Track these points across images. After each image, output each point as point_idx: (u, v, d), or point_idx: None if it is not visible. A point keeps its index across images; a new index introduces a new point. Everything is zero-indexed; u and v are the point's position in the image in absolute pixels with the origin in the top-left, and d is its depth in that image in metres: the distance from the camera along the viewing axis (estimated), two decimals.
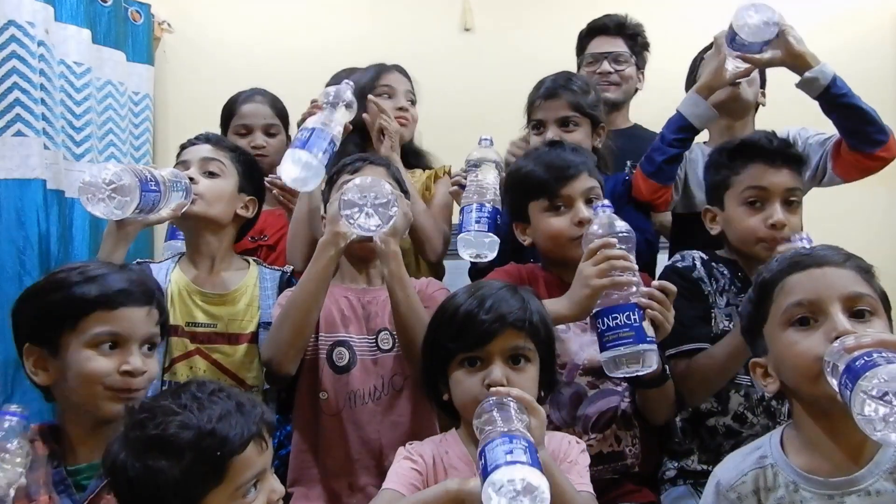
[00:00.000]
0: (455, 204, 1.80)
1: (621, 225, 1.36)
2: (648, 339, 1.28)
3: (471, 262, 1.66)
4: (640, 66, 2.22)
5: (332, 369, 1.53)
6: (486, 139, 1.77)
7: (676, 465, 1.57)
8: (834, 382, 0.93)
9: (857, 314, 1.02)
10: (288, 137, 2.18)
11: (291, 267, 1.72)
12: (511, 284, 1.30)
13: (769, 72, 1.89)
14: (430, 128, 1.98)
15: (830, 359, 0.95)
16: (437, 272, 1.91)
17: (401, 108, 1.95)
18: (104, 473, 1.01)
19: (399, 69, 2.01)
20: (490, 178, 1.62)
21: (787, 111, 1.82)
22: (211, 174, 1.61)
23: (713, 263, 1.61)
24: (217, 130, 2.16)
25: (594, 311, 1.33)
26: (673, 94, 1.88)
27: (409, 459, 1.25)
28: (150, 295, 1.23)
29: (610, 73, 2.13)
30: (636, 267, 1.34)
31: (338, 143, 1.49)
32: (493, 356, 1.21)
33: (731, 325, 1.53)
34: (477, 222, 1.53)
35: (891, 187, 1.75)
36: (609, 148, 1.92)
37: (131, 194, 1.39)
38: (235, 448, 0.94)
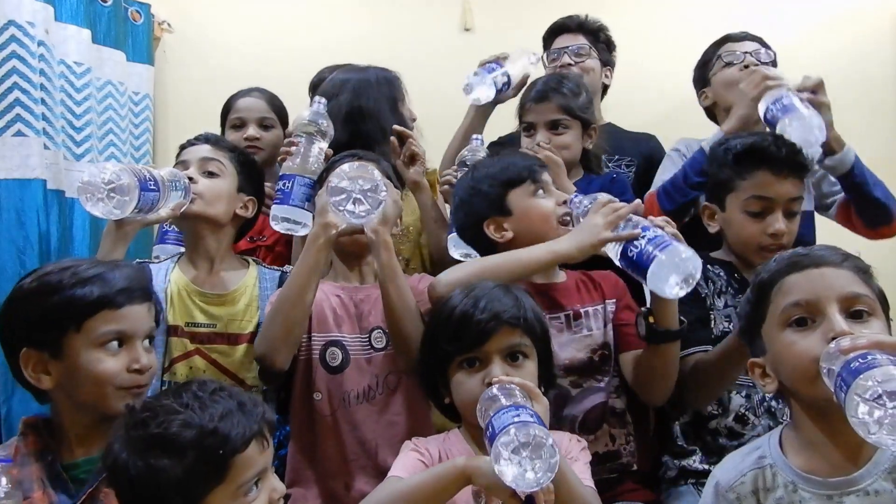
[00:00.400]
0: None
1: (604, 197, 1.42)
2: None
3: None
4: (606, 62, 2.22)
5: (326, 370, 1.53)
6: (477, 138, 1.80)
7: (678, 464, 1.56)
8: (830, 384, 0.93)
9: (854, 315, 1.03)
10: (285, 135, 2.17)
11: (291, 267, 1.71)
12: (502, 283, 1.30)
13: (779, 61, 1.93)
14: (430, 128, 1.98)
15: (826, 361, 0.95)
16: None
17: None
18: (105, 473, 1.00)
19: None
20: None
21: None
22: (210, 174, 1.61)
23: (707, 266, 1.60)
24: (217, 131, 2.16)
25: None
26: (673, 94, 1.89)
27: (416, 451, 1.26)
28: (148, 290, 1.24)
29: (570, 65, 2.13)
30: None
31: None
32: (492, 355, 1.21)
33: (731, 327, 1.53)
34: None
35: (891, 187, 1.77)
36: (601, 149, 1.93)
37: (130, 194, 1.40)
38: (237, 447, 0.94)
